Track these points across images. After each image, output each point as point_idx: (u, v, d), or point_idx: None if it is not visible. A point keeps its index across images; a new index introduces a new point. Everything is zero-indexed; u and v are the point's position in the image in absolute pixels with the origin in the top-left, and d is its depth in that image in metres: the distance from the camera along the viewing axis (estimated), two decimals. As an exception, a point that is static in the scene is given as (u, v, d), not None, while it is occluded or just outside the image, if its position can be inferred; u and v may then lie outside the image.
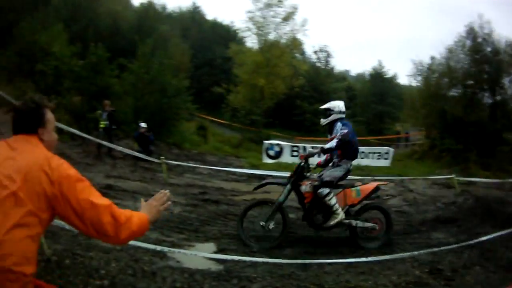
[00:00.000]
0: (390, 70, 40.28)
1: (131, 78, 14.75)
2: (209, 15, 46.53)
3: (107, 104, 11.27)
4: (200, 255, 4.20)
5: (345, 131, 4.66)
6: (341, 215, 4.60)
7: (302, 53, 29.82)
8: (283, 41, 22.31)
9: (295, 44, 23.06)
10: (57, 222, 2.36)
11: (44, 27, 16.53)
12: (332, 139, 4.80)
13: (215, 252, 4.45)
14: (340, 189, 4.79)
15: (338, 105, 4.98)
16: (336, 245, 5.03)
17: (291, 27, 22.00)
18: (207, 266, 3.98)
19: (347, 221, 4.70)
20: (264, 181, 5.42)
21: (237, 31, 28.26)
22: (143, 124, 11.54)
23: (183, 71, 19.10)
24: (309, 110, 26.30)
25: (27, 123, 1.58)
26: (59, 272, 3.15)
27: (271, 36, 22.22)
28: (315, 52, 33.23)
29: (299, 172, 4.81)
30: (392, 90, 31.73)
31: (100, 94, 13.22)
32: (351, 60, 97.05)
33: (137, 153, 9.86)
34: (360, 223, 4.74)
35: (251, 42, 23.69)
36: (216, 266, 4.02)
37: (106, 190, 6.61)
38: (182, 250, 4.15)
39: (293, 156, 13.53)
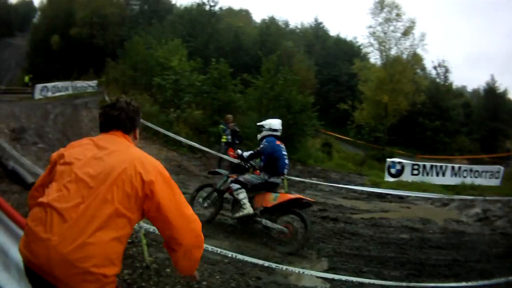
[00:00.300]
0: (501, 84, 37.54)
1: (256, 93, 15.45)
2: (332, 31, 48.28)
3: (230, 118, 11.56)
4: (308, 273, 4.13)
5: (261, 146, 5.46)
6: (247, 210, 5.16)
7: (423, 68, 30.77)
8: (404, 56, 23.19)
9: (415, 59, 23.86)
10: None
11: (160, 42, 18.49)
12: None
13: (326, 271, 4.45)
14: (262, 192, 5.37)
15: (270, 123, 5.73)
16: (441, 266, 5.03)
17: (411, 42, 22.95)
18: (314, 284, 3.98)
19: (258, 219, 5.24)
20: (212, 169, 7.30)
21: (360, 47, 29.70)
22: None
23: (308, 87, 20.12)
24: (430, 127, 26.91)
25: (128, 122, 1.60)
26: (157, 280, 3.25)
27: (393, 52, 23.28)
28: (435, 68, 33.46)
29: (233, 167, 5.99)
30: (504, 106, 31.41)
31: (222, 109, 14.07)
32: (467, 75, 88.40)
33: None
34: (269, 223, 5.15)
35: (374, 58, 24.96)
36: (323, 284, 4.03)
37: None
38: (290, 267, 4.08)
39: (413, 175, 13.58)
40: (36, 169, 7.24)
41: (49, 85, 22.29)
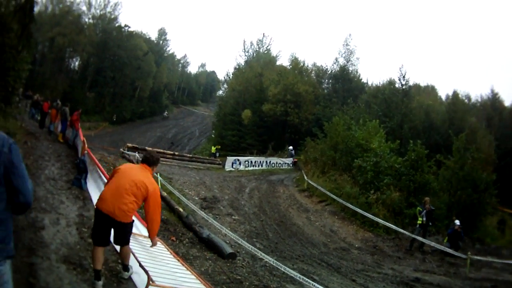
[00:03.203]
0: None
1: (447, 174, 18.40)
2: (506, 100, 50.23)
3: (427, 201, 14.58)
4: None
5: None
6: None
7: None
8: None
9: None
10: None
11: (358, 122, 22.41)
12: None
13: None
14: None
15: None
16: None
17: None
18: None
19: None
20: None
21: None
22: (457, 222, 14.43)
23: (489, 163, 21.60)
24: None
25: (152, 162, 5.41)
26: None
27: None
28: None
29: None
30: None
31: (417, 191, 17.13)
32: None
33: (446, 249, 13.14)
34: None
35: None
36: None
37: (413, 283, 9.93)
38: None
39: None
40: (234, 239, 9.98)
41: (242, 158, 27.93)
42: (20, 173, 2.55)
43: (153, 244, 5.57)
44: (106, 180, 8.23)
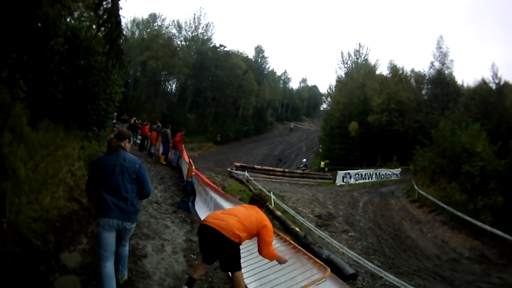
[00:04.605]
0: None
1: None
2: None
3: None
4: None
5: None
6: None
7: None
8: None
9: None
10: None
11: (460, 126, 23.41)
12: None
13: None
14: None
15: None
16: None
17: None
18: None
19: None
20: None
21: None
22: None
23: None
24: None
25: (261, 204, 5.79)
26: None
27: None
28: None
29: None
30: None
31: None
32: None
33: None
34: None
35: None
36: None
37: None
38: None
39: None
40: (352, 258, 10.20)
41: (352, 172, 30.13)
42: (145, 178, 5.11)
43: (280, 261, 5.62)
44: (218, 201, 10.05)
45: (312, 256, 6.04)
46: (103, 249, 4.78)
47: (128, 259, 5.54)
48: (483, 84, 38.51)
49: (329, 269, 5.39)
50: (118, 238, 4.98)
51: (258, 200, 5.76)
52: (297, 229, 11.82)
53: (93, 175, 4.94)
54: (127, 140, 5.28)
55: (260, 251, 5.36)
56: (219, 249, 5.04)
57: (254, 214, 5.37)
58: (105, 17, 6.77)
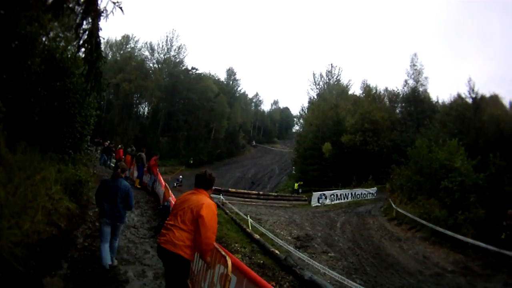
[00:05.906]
0: None
1: None
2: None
3: (510, 214, 15.00)
4: None
5: None
6: None
7: None
8: None
9: None
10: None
11: (437, 143, 23.79)
12: None
13: None
14: None
15: None
16: None
17: None
18: None
19: None
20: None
21: None
22: None
23: None
24: None
25: (207, 184, 5.02)
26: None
27: None
28: None
29: None
30: None
31: (503, 206, 16.82)
32: None
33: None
34: None
35: None
36: None
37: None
38: None
39: None
40: (335, 278, 10.20)
41: (327, 192, 30.42)
42: (130, 198, 7.36)
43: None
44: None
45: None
46: (103, 236, 7.13)
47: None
48: (459, 99, 39.58)
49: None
50: (112, 231, 7.26)
51: (208, 177, 4.98)
52: (276, 251, 11.76)
53: (100, 190, 7.24)
54: (125, 172, 8.18)
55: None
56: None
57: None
58: (85, 37, 6.79)
